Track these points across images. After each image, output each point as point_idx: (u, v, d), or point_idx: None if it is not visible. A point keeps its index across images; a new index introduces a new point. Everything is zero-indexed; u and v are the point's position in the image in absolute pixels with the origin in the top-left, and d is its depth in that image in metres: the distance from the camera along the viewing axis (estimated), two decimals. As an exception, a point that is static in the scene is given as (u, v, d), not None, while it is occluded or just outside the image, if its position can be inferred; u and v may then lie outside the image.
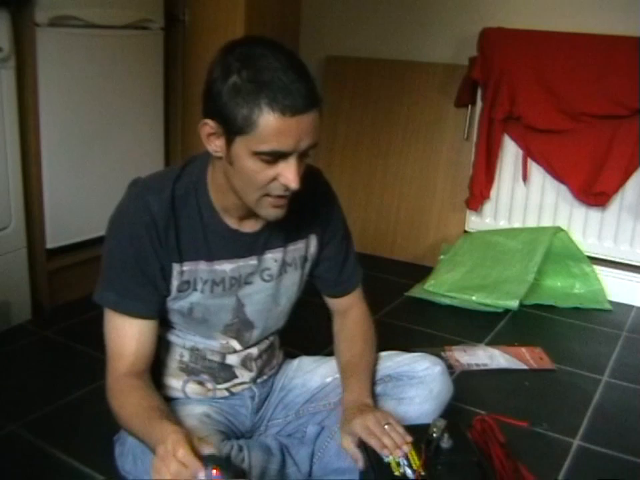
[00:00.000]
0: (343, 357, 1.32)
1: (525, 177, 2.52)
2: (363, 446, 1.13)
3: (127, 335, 1.14)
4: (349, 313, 1.38)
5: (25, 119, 1.97)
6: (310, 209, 1.26)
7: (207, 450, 0.95)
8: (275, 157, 1.01)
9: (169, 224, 1.11)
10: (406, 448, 1.09)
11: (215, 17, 2.46)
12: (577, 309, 2.40)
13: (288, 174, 1.02)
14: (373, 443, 1.09)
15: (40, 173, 2.03)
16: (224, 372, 1.29)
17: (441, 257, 2.59)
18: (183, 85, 2.56)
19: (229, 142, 1.03)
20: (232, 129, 1.01)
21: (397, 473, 1.06)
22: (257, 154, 1.00)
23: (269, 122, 0.97)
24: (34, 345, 1.98)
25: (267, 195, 1.06)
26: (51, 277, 2.14)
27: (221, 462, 0.94)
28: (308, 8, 2.87)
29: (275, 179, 1.04)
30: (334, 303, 1.38)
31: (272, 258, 1.23)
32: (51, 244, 2.11)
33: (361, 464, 1.10)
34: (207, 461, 0.92)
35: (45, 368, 1.87)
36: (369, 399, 1.21)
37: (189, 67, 2.54)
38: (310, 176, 1.18)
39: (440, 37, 2.68)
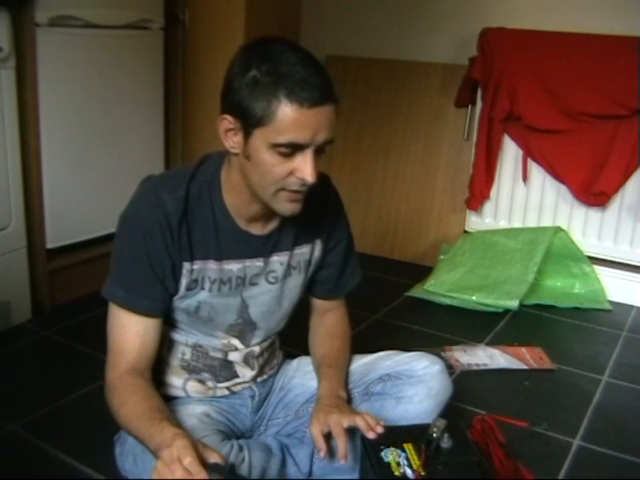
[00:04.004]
0: (322, 348, 1.34)
1: (524, 177, 2.53)
2: (362, 445, 1.13)
3: (132, 332, 1.14)
4: (330, 313, 1.40)
5: (25, 119, 1.97)
6: (318, 213, 1.26)
7: (212, 458, 0.95)
8: (292, 149, 1.02)
9: (182, 223, 1.12)
10: None
11: (215, 17, 2.46)
12: (577, 308, 2.40)
13: (304, 167, 1.04)
14: (340, 441, 1.11)
15: (40, 173, 2.03)
16: (225, 370, 1.29)
17: (441, 256, 2.59)
18: (183, 84, 2.56)
19: (247, 135, 1.04)
20: (250, 122, 1.02)
21: (396, 473, 1.06)
22: (275, 146, 1.02)
23: (287, 113, 0.99)
24: (34, 345, 1.98)
25: (283, 189, 1.07)
26: (51, 276, 2.14)
27: (225, 472, 0.94)
28: (308, 8, 2.86)
29: (291, 173, 1.05)
30: (319, 303, 1.40)
31: (278, 261, 1.23)
32: (51, 244, 2.11)
33: (323, 454, 1.12)
34: (211, 469, 0.92)
35: (45, 368, 1.87)
36: (344, 392, 1.24)
37: (188, 67, 2.54)
38: (319, 180, 1.18)
39: (440, 37, 2.68)
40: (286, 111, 0.99)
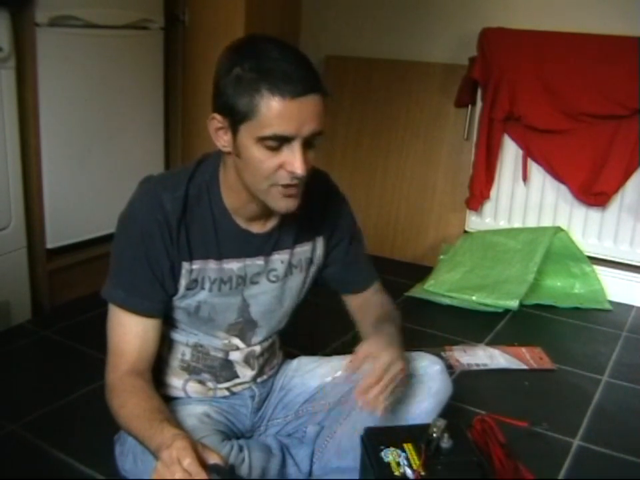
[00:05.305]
0: (374, 315, 1.28)
1: (524, 177, 2.53)
2: (362, 445, 1.13)
3: (132, 333, 1.13)
4: (371, 298, 1.36)
5: (25, 119, 1.97)
6: (317, 210, 1.26)
7: (212, 459, 0.95)
8: (278, 142, 1.02)
9: (181, 223, 1.12)
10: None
11: (215, 17, 2.46)
12: (577, 308, 2.40)
13: (293, 160, 1.03)
14: (364, 368, 1.08)
15: (40, 173, 2.03)
16: (225, 371, 1.29)
17: (441, 256, 2.59)
18: (183, 84, 2.56)
19: (235, 132, 1.05)
20: (236, 118, 1.03)
21: (397, 473, 1.06)
22: (261, 139, 1.02)
23: (269, 106, 0.99)
24: (34, 345, 1.98)
25: (275, 184, 1.06)
26: (51, 276, 2.14)
27: (224, 473, 0.93)
28: (308, 8, 2.87)
29: (280, 166, 1.04)
30: (350, 301, 1.36)
31: (279, 259, 1.23)
32: (51, 244, 2.11)
33: (349, 370, 1.10)
34: (211, 470, 0.92)
35: (45, 368, 1.87)
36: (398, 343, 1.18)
37: (188, 67, 2.54)
38: (317, 178, 1.18)
39: (440, 37, 2.68)
40: (269, 103, 0.99)
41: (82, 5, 2.03)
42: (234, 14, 2.43)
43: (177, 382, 1.28)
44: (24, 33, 1.91)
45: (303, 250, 1.26)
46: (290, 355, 1.46)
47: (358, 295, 1.36)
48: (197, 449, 0.94)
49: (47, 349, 1.97)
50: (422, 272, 2.59)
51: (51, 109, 2.02)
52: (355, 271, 1.35)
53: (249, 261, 1.20)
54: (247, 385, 1.32)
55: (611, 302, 2.45)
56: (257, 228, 1.19)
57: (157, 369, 1.23)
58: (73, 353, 1.92)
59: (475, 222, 2.68)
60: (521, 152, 2.51)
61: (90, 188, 2.19)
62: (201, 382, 1.28)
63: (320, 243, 1.29)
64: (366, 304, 1.34)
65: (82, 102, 2.11)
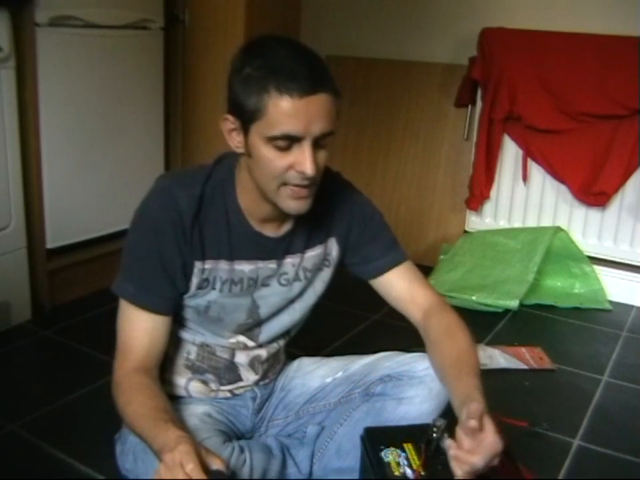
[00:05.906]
0: (450, 351, 1.23)
1: (524, 177, 2.53)
2: (362, 445, 1.13)
3: (141, 329, 1.13)
4: (417, 298, 1.32)
5: (25, 119, 1.97)
6: (328, 212, 1.25)
7: (214, 464, 0.94)
8: (288, 142, 1.02)
9: (194, 222, 1.12)
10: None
11: (215, 17, 2.46)
12: (577, 308, 2.40)
13: (302, 160, 1.02)
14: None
15: (40, 173, 2.03)
16: (229, 373, 1.29)
17: (441, 256, 2.59)
18: (183, 85, 2.56)
19: (246, 132, 1.05)
20: (246, 118, 1.03)
21: (396, 473, 1.06)
22: (270, 139, 1.02)
23: (277, 105, 0.99)
24: (34, 345, 1.98)
25: (285, 184, 1.06)
26: (51, 276, 2.14)
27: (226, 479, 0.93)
28: (308, 8, 2.86)
29: (290, 167, 1.04)
30: (378, 286, 1.31)
31: (290, 262, 1.23)
32: (50, 244, 2.11)
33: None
34: (213, 476, 0.92)
35: (45, 368, 1.87)
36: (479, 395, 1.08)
37: (188, 66, 2.54)
38: (328, 178, 1.17)
39: (440, 37, 2.68)
40: (277, 102, 0.99)
41: (82, 5, 2.03)
42: (234, 14, 2.43)
43: (180, 380, 1.27)
44: (24, 33, 1.91)
45: (315, 253, 1.26)
46: (290, 355, 1.45)
47: (381, 278, 1.30)
48: (199, 453, 0.94)
49: (47, 349, 1.97)
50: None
51: (51, 109, 2.02)
52: (373, 257, 1.29)
53: (261, 264, 1.19)
54: (249, 388, 1.32)
55: (611, 302, 2.45)
56: (270, 231, 1.19)
57: (161, 366, 1.23)
58: (72, 352, 1.92)
59: (474, 222, 2.68)
60: (521, 152, 2.51)
61: (90, 188, 2.19)
62: (204, 382, 1.28)
63: (334, 244, 1.28)
64: (438, 318, 1.29)
65: (82, 102, 2.11)
